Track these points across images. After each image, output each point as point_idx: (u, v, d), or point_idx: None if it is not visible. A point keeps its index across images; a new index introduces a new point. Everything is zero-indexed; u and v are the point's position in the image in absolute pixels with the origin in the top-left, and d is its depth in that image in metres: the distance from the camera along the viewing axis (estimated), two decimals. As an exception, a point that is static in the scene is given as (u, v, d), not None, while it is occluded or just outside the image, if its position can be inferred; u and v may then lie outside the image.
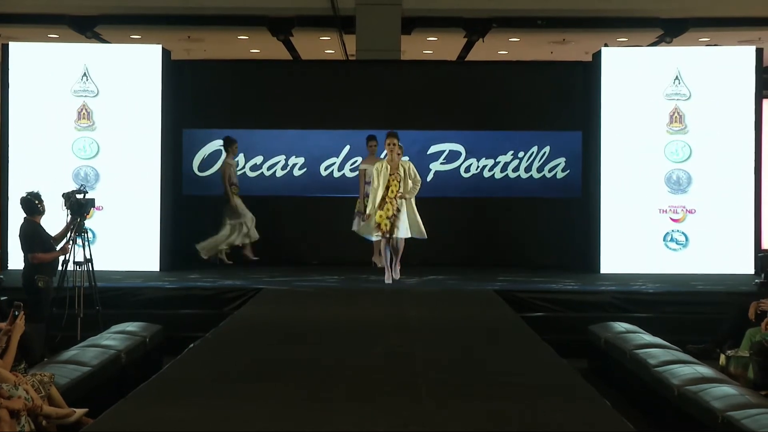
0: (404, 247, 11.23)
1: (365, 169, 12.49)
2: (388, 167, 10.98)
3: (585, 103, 13.20)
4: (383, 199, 10.93)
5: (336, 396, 5.74)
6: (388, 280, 11.18)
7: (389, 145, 11.02)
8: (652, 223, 12.59)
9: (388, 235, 10.95)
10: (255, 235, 13.08)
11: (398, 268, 11.32)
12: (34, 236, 9.26)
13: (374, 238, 11.23)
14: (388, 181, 10.93)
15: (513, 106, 13.62)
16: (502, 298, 10.19)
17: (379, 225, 10.93)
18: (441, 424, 5.15)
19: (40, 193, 9.42)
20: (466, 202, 13.60)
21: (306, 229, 13.42)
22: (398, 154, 11.14)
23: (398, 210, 10.94)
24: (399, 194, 10.93)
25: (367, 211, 11.16)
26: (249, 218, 13.07)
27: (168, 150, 12.80)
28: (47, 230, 9.42)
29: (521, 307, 10.20)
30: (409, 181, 11.00)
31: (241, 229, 13.06)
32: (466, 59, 18.94)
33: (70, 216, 9.54)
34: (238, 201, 13.02)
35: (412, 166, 11.15)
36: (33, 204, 9.31)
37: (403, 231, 11.01)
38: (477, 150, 13.61)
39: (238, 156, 13.46)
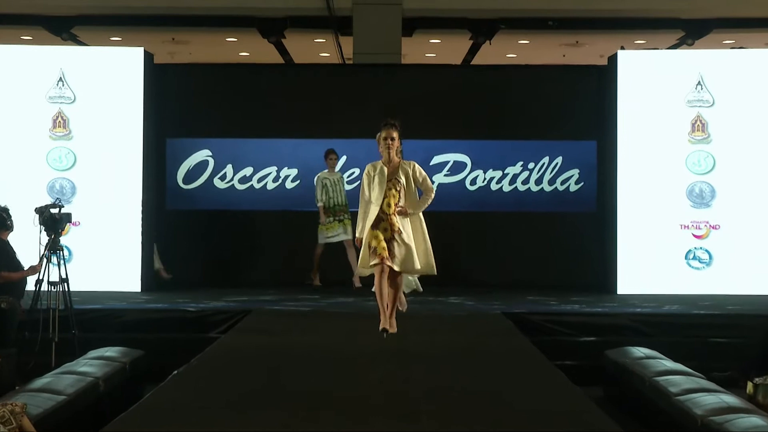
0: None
1: None
2: (385, 170, 8.79)
3: (600, 111, 13.20)
4: (378, 216, 8.68)
5: (327, 427, 5.72)
6: (384, 325, 8.67)
7: (386, 140, 8.74)
8: (673, 239, 12.58)
9: (388, 263, 8.62)
10: None
11: (395, 310, 8.93)
12: (1, 253, 9.25)
13: (367, 272, 8.95)
14: (385, 191, 8.72)
15: (522, 113, 13.63)
16: (511, 321, 10.17)
17: (374, 249, 8.64)
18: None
19: (9, 208, 9.42)
20: (471, 217, 13.60)
21: (300, 246, 13.39)
22: (399, 152, 8.93)
23: (399, 232, 8.67)
24: (399, 209, 8.73)
25: (357, 234, 8.89)
26: None
27: (150, 161, 12.79)
28: (17, 248, 9.42)
29: (531, 330, 10.18)
30: (414, 190, 8.83)
31: None
32: (471, 63, 18.99)
33: (44, 232, 9.55)
34: None
35: (419, 168, 8.88)
36: (2, 219, 9.31)
37: (403, 262, 8.72)
38: (484, 161, 13.62)
39: (226, 167, 13.51)
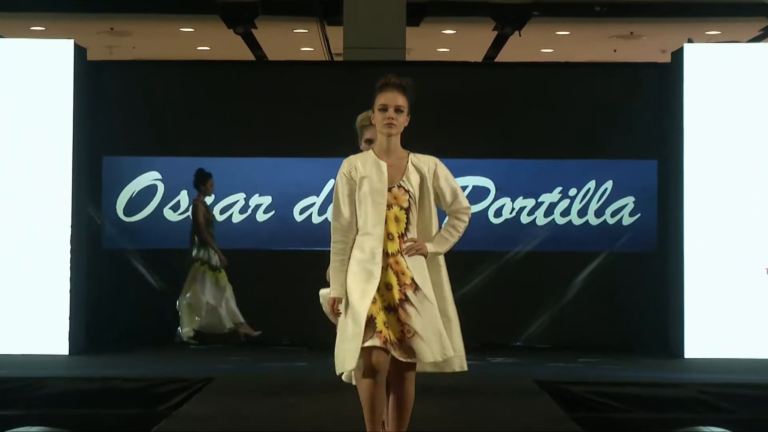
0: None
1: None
2: (384, 168, 6.47)
3: (661, 121, 13.25)
4: (371, 257, 6.36)
5: None
6: None
7: (384, 110, 6.51)
8: (757, 288, 12.56)
9: (394, 352, 6.26)
10: None
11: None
12: None
13: (351, 366, 6.34)
14: (386, 207, 6.41)
15: (561, 124, 13.67)
16: (546, 392, 10.15)
17: (371, 319, 6.24)
18: None
19: None
20: (496, 258, 13.61)
21: (273, 294, 13.40)
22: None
23: (414, 287, 6.35)
24: (411, 245, 6.42)
25: (332, 292, 6.50)
26: None
27: (82, 186, 12.81)
28: None
29: (572, 404, 10.15)
30: (432, 208, 6.54)
31: None
32: (495, 60, 19.06)
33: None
34: None
35: (443, 168, 6.59)
36: None
37: (425, 346, 6.30)
38: (511, 186, 13.65)
39: (179, 194, 13.54)
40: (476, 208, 13.62)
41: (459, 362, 6.55)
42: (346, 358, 6.29)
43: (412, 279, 6.35)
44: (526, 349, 12.99)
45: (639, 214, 13.59)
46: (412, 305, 6.28)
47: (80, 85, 12.75)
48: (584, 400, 10.41)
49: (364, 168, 6.44)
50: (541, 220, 13.64)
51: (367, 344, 6.16)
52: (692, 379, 10.90)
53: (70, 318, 12.45)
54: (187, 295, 13.37)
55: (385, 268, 6.33)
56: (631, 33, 18.64)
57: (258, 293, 13.50)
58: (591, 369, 11.59)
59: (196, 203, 13.39)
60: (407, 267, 6.36)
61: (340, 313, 6.40)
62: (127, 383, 10.61)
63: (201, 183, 13.36)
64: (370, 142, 6.90)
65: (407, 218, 6.42)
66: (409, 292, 6.31)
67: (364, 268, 6.34)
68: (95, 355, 12.35)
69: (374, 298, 6.24)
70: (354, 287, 6.32)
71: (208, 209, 13.49)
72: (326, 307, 6.60)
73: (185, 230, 13.56)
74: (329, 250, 6.50)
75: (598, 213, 13.62)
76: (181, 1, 16.35)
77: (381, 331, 6.19)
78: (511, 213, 13.65)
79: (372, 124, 6.73)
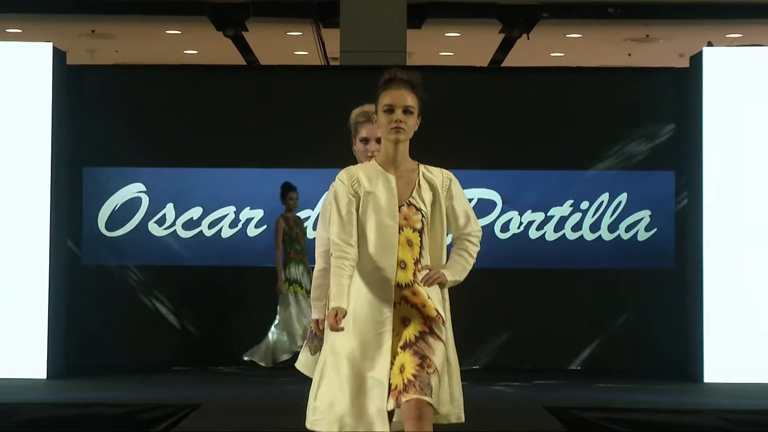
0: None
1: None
2: (392, 182, 5.90)
3: (679, 130, 13.26)
4: (382, 289, 5.79)
5: None
6: None
7: (390, 111, 5.89)
8: (781, 307, 12.58)
9: (403, 399, 5.66)
10: None
11: None
12: None
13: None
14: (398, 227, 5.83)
15: (572, 133, 13.67)
16: (557, 418, 10.16)
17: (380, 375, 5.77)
18: None
19: None
20: (501, 276, 13.58)
21: (266, 314, 13.40)
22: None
23: (441, 319, 5.84)
24: (428, 275, 5.84)
25: (331, 303, 5.79)
26: None
27: (61, 198, 12.81)
28: None
29: (585, 431, 10.16)
30: (443, 230, 6.00)
31: None
32: (502, 64, 19.08)
33: None
34: None
35: (457, 185, 6.12)
36: None
37: (441, 391, 5.81)
38: (519, 199, 13.65)
39: (165, 207, 13.53)
40: (482, 222, 13.44)
41: (456, 414, 5.99)
42: (316, 419, 5.91)
43: (437, 311, 5.78)
44: (533, 374, 12.95)
45: (655, 229, 13.57)
46: (438, 339, 5.72)
47: (59, 91, 12.74)
48: (596, 426, 10.39)
49: (368, 182, 5.83)
50: (550, 236, 13.61)
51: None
52: (712, 404, 10.90)
53: (48, 339, 12.43)
54: (277, 324, 13.27)
55: (399, 302, 5.76)
56: (647, 36, 18.66)
57: (249, 313, 13.49)
58: (604, 394, 11.58)
59: (277, 220, 13.31)
60: (428, 297, 5.78)
61: (343, 329, 5.65)
62: (109, 409, 10.59)
63: (282, 197, 13.30)
64: (365, 141, 6.46)
65: (421, 242, 5.83)
66: (434, 325, 5.73)
67: (370, 308, 5.74)
68: (75, 379, 12.34)
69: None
70: (347, 339, 5.73)
71: (292, 225, 13.35)
72: (327, 323, 5.75)
73: (171, 245, 13.56)
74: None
75: (612, 228, 13.60)
76: (167, 3, 16.36)
77: (396, 387, 5.63)
78: (518, 228, 13.62)
79: (369, 120, 6.29)
